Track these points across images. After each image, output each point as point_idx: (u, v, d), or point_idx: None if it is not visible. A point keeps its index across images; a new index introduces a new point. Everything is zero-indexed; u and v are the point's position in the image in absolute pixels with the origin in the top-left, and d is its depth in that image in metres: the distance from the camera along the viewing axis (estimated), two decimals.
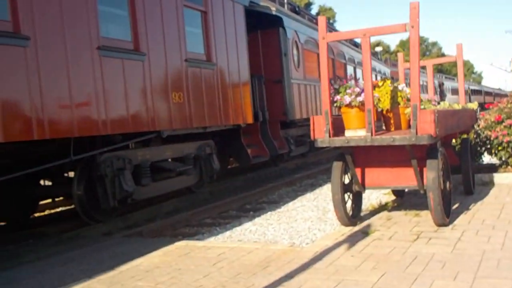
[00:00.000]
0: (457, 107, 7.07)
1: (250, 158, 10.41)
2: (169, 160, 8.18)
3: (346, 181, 5.94)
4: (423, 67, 9.74)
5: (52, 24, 5.59)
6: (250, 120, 9.98)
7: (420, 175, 5.53)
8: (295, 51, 12.39)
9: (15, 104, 5.09)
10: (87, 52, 6.05)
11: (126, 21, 6.93)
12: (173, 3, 7.80)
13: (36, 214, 8.33)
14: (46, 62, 5.43)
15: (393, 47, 71.94)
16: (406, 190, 7.22)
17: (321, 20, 5.56)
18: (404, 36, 75.57)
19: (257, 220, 6.96)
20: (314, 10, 54.70)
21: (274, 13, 11.44)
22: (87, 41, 6.06)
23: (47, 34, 5.49)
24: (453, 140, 7.29)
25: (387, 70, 26.24)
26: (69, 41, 5.76)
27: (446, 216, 5.35)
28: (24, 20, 5.21)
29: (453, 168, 6.23)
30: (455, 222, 5.45)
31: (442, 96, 39.15)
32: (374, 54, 27.40)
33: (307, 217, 6.84)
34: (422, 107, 5.71)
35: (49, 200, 8.61)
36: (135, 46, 6.94)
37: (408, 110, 5.65)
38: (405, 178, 5.73)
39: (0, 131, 4.89)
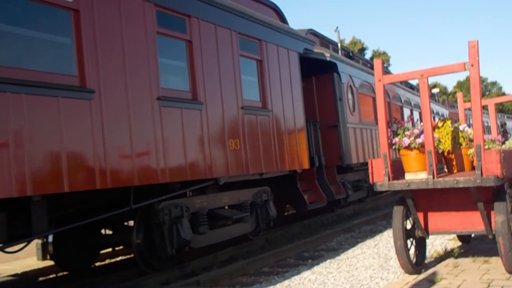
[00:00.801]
0: None
1: (306, 204, 10.27)
2: (226, 207, 8.19)
3: (408, 226, 5.73)
4: (484, 107, 9.43)
5: (116, 77, 5.85)
6: (306, 165, 9.91)
7: (487, 219, 5.26)
8: (350, 96, 12.35)
9: (79, 154, 5.29)
10: (148, 103, 6.26)
11: (185, 72, 7.16)
12: (230, 53, 8.02)
13: (97, 263, 8.48)
14: (109, 114, 5.65)
15: (450, 88, 70.42)
16: (473, 235, 6.87)
17: (377, 63, 5.54)
18: (461, 77, 73.99)
19: (316, 268, 6.78)
20: (368, 55, 54.76)
21: (328, 59, 11.52)
22: (148, 92, 6.29)
23: (110, 86, 5.74)
24: None
25: (445, 112, 25.62)
26: (131, 93, 6.00)
27: None
28: (89, 74, 5.49)
29: None
30: None
31: (505, 136, 37.65)
32: (431, 96, 26.89)
33: (368, 265, 6.60)
34: (486, 147, 5.49)
35: (109, 249, 8.76)
36: (193, 95, 7.13)
37: (471, 150, 5.45)
38: (472, 222, 5.47)
39: (65, 181, 5.07)
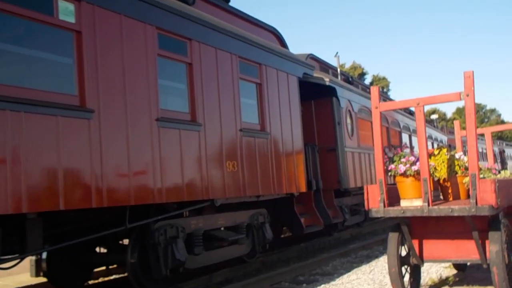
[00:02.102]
0: None
1: (303, 227, 10.25)
2: (222, 228, 8.18)
3: (403, 253, 5.72)
4: (482, 135, 9.49)
5: (115, 97, 5.92)
6: (303, 189, 9.92)
7: (482, 248, 5.25)
8: (348, 120, 12.42)
9: (76, 173, 5.32)
10: (147, 123, 6.31)
11: (184, 94, 7.23)
12: (229, 76, 8.10)
13: (90, 282, 8.43)
14: (107, 133, 5.70)
15: (449, 114, 70.76)
16: (468, 264, 6.85)
17: (374, 90, 5.60)
18: (460, 102, 74.34)
19: None
20: (368, 80, 55.11)
21: (327, 83, 11.62)
22: (147, 113, 6.34)
23: (110, 106, 5.80)
24: None
25: (444, 138, 25.70)
26: (130, 113, 6.05)
27: None
28: (89, 94, 5.55)
29: None
30: None
31: (504, 164, 37.67)
32: (430, 122, 27.02)
33: None
34: (482, 176, 5.52)
35: (103, 268, 8.71)
36: (192, 117, 7.19)
37: (467, 179, 5.48)
38: (467, 251, 5.46)
39: (61, 199, 5.09)
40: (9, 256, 5.42)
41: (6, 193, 4.59)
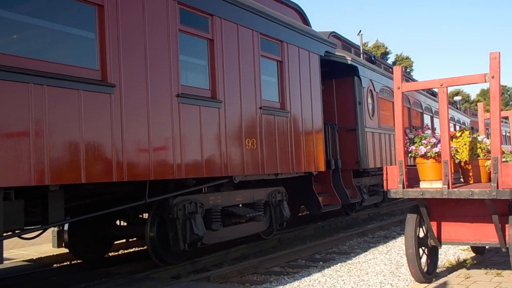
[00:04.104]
0: None
1: (321, 206, 10.28)
2: (240, 205, 8.25)
3: (421, 234, 5.71)
4: (506, 118, 9.33)
5: (137, 73, 5.94)
6: (322, 168, 9.91)
7: (502, 232, 5.21)
8: (369, 100, 12.31)
9: (98, 147, 5.38)
10: (167, 99, 6.34)
11: (205, 70, 7.23)
12: (251, 53, 8.06)
13: (110, 254, 8.61)
14: (128, 108, 5.74)
15: (473, 96, 69.36)
16: (487, 247, 6.80)
17: (396, 70, 5.52)
18: (485, 84, 72.72)
19: (326, 271, 6.79)
20: (391, 59, 54.27)
21: (349, 62, 11.49)
22: (168, 89, 6.36)
23: (131, 81, 5.83)
24: None
25: (466, 120, 25.32)
26: (151, 89, 6.08)
27: None
28: (111, 69, 5.58)
29: None
30: None
31: None
32: (453, 104, 26.61)
33: (379, 271, 6.58)
34: (504, 159, 5.44)
35: (123, 241, 8.88)
36: (212, 93, 7.19)
37: (488, 162, 5.41)
38: (485, 234, 5.42)
39: (83, 172, 5.17)
40: (32, 227, 5.56)
41: (29, 165, 4.69)
